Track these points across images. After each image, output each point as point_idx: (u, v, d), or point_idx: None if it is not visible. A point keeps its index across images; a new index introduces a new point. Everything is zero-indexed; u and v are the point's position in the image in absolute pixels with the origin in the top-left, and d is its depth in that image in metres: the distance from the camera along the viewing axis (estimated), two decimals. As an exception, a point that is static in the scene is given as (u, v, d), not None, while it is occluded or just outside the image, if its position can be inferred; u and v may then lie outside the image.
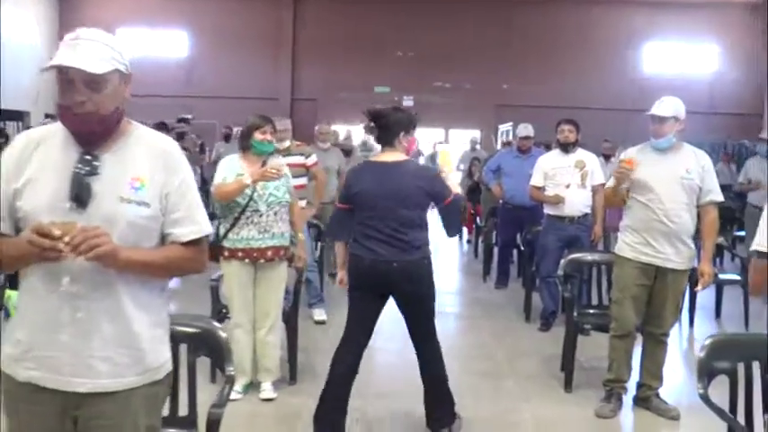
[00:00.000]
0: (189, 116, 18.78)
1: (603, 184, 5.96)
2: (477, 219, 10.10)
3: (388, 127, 3.62)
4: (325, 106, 19.27)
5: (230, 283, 4.18)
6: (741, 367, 2.66)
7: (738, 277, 6.57)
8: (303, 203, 6.20)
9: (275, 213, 4.09)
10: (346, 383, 3.69)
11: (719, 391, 2.64)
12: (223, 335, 2.64)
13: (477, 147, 14.43)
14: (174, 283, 7.47)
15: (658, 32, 19.49)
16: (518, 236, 7.72)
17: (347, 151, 9.01)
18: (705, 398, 2.57)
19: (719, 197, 4.16)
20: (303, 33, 19.79)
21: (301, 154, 6.19)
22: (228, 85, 19.05)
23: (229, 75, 19.30)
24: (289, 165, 6.00)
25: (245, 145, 4.20)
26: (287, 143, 6.05)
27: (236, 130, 12.69)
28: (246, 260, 4.10)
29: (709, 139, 17.61)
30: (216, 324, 2.68)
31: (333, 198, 7.81)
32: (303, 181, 6.18)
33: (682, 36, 19.50)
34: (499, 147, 14.21)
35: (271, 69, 19.79)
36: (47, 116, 14.55)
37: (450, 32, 18.97)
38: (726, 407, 2.61)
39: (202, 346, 2.61)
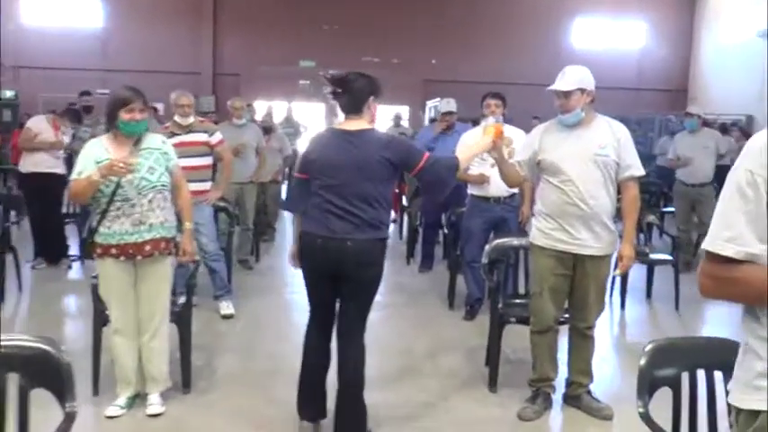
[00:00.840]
0: (101, 90, 17.88)
1: None
2: (403, 198, 9.67)
3: (354, 93, 3.32)
4: (249, 81, 18.60)
5: (106, 285, 3.62)
6: (685, 377, 2.30)
7: (669, 257, 6.30)
8: (208, 185, 5.69)
9: (150, 201, 3.52)
10: (321, 368, 3.51)
11: (662, 403, 2.27)
12: (65, 360, 2.13)
13: (402, 123, 13.92)
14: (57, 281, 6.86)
15: (587, 8, 19.48)
16: (443, 216, 7.37)
17: (267, 129, 8.43)
18: (646, 417, 2.19)
19: (639, 171, 3.79)
20: (225, 4, 19.00)
21: (205, 131, 5.68)
22: (147, 59, 18.17)
23: (148, 47, 18.44)
24: (190, 143, 5.53)
25: (112, 125, 3.59)
26: (190, 119, 5.58)
27: (158, 106, 12.07)
28: (122, 258, 3.53)
29: (636, 114, 17.72)
30: (51, 349, 2.15)
31: (251, 178, 7.33)
32: (207, 161, 5.70)
33: (610, 12, 19.54)
34: (426, 123, 13.83)
35: (192, 42, 19.01)
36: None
37: (378, 6, 18.53)
38: (668, 420, 2.25)
39: (38, 374, 2.11)
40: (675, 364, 2.32)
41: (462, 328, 5.54)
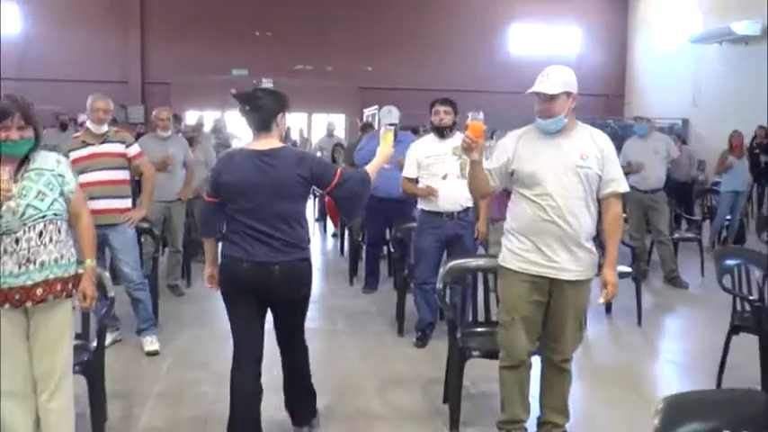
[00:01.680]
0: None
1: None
2: (344, 211, 9.17)
3: (262, 110, 3.23)
4: (180, 90, 17.85)
5: (-9, 340, 2.99)
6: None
7: (629, 269, 5.95)
8: (128, 203, 5.09)
9: (40, 234, 2.90)
10: (253, 404, 3.28)
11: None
12: None
13: (335, 133, 13.41)
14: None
15: (523, 15, 19.38)
16: (387, 231, 6.91)
17: (191, 140, 7.82)
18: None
19: (623, 187, 3.36)
20: (153, 10, 18.24)
21: (122, 141, 5.10)
22: (70, 67, 17.19)
23: (71, 55, 17.45)
24: (105, 154, 4.92)
25: None
26: (104, 128, 5.00)
27: (81, 118, 11.18)
28: (7, 305, 2.87)
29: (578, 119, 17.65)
30: None
31: (179, 195, 6.71)
32: (125, 174, 5.11)
33: (545, 18, 19.50)
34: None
35: (118, 49, 18.12)
36: None
37: (310, 12, 17.99)
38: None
39: None
40: (695, 424, 1.88)
41: (414, 358, 5.05)
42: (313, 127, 18.35)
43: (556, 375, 3.46)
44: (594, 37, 19.76)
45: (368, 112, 15.86)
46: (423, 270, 5.14)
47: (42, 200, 2.92)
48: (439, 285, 3.89)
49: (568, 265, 3.26)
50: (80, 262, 3.13)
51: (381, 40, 18.37)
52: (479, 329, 4.00)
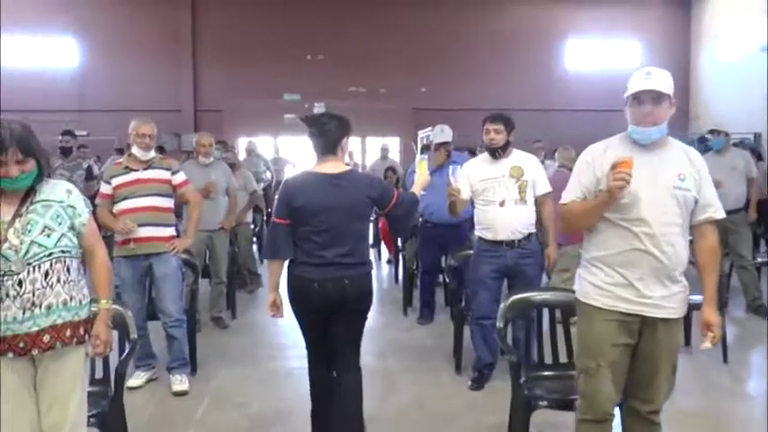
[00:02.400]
0: (84, 132, 17.06)
1: (550, 194, 4.74)
2: (398, 238, 8.75)
3: (328, 134, 3.43)
4: (232, 117, 17.79)
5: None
6: None
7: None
8: (172, 231, 4.80)
9: (46, 274, 2.58)
10: (330, 391, 3.55)
11: None
12: None
13: (390, 155, 13.03)
14: None
15: (579, 29, 18.80)
16: (443, 259, 6.48)
17: (230, 166, 7.56)
18: None
19: (720, 213, 2.87)
20: (204, 38, 18.26)
21: (167, 169, 4.84)
22: (125, 97, 17.29)
23: (126, 86, 17.58)
24: (149, 180, 4.65)
25: None
26: (151, 153, 4.77)
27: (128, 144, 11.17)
28: (10, 354, 2.55)
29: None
30: None
31: (222, 223, 6.43)
32: (169, 202, 4.83)
33: (602, 32, 18.88)
34: (418, 155, 12.97)
35: (171, 78, 18.16)
36: None
37: (363, 34, 17.78)
38: None
39: None
40: None
41: (473, 400, 4.57)
42: (367, 150, 18.06)
43: (644, 429, 2.95)
44: (655, 49, 18.99)
45: (422, 133, 15.48)
46: (480, 304, 4.68)
47: (49, 236, 2.60)
48: (499, 323, 3.45)
49: (662, 301, 2.79)
50: (95, 300, 2.81)
51: (434, 60, 18.02)
52: (547, 373, 3.53)
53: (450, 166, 4.51)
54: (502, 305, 3.52)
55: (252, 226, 8.23)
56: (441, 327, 6.29)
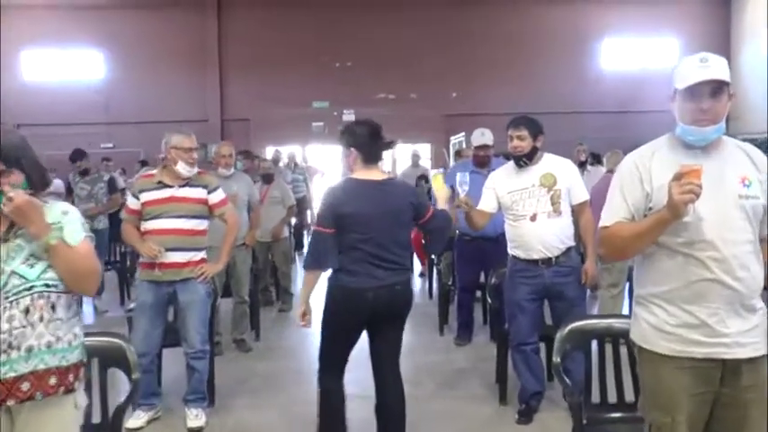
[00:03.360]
0: (110, 144, 16.87)
1: (588, 203, 4.24)
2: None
3: (380, 142, 3.46)
4: (259, 126, 17.54)
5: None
6: None
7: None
8: (202, 255, 4.34)
9: (26, 311, 2.18)
10: (342, 408, 3.56)
11: None
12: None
13: (421, 162, 12.58)
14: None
15: (614, 28, 18.20)
16: (482, 275, 6.01)
17: (267, 177, 7.19)
18: None
19: None
20: (230, 48, 17.99)
21: (204, 186, 4.36)
22: (152, 109, 17.12)
23: (152, 97, 17.39)
24: (184, 199, 4.17)
25: None
26: (195, 170, 4.30)
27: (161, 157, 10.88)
28: None
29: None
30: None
31: (244, 240, 6.01)
32: (202, 224, 4.35)
33: (639, 30, 18.23)
34: (452, 162, 12.48)
35: (197, 89, 17.94)
36: None
37: (391, 39, 17.38)
38: None
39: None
40: None
41: (521, 435, 4.12)
42: (397, 157, 17.63)
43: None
44: (694, 48, 18.14)
45: (454, 139, 15.04)
46: (519, 329, 4.20)
47: (32, 266, 2.20)
48: (556, 358, 2.96)
49: (742, 337, 2.25)
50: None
51: (466, 65, 17.54)
52: (612, 415, 3.04)
53: (458, 174, 4.13)
54: (558, 335, 3.04)
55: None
56: (480, 349, 5.83)
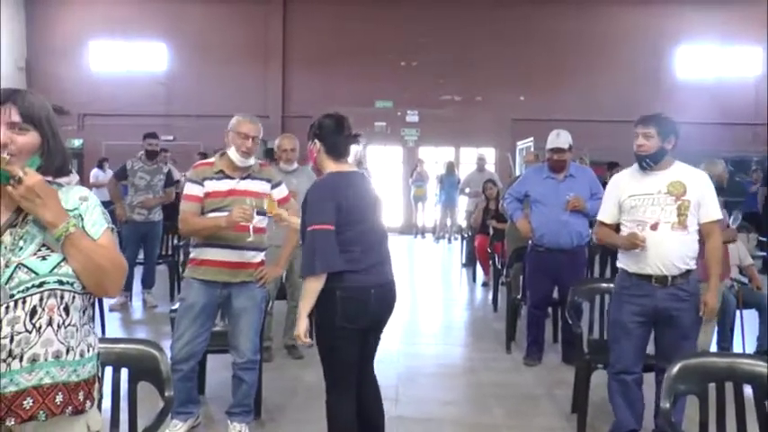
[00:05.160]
0: (170, 137, 16.82)
1: (720, 223, 3.70)
2: (496, 258, 7.78)
3: (353, 137, 3.27)
4: (321, 124, 17.15)
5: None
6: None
7: None
8: (262, 257, 3.92)
9: (33, 313, 1.77)
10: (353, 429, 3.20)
11: None
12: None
13: (487, 167, 12.03)
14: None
15: (692, 34, 17.32)
16: (555, 290, 5.50)
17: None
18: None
19: None
20: (295, 43, 17.72)
21: (267, 180, 3.94)
22: (213, 103, 16.97)
23: (214, 91, 17.25)
24: (246, 192, 3.71)
25: None
26: (251, 161, 3.84)
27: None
28: None
29: (756, 153, 15.49)
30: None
31: (301, 239, 5.63)
32: (264, 222, 3.91)
33: (719, 37, 17.30)
34: (518, 170, 11.94)
35: (259, 84, 17.72)
36: None
37: (459, 39, 16.89)
38: None
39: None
40: None
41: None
42: (461, 161, 17.13)
43: None
44: (781, 56, 17.29)
45: (521, 144, 14.47)
46: (622, 354, 3.67)
47: (44, 258, 1.81)
48: (665, 403, 2.44)
49: None
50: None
51: (535, 68, 16.92)
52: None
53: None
54: (667, 374, 2.52)
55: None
56: (552, 371, 5.30)
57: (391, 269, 3.20)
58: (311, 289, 2.99)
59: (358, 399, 3.19)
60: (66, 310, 1.85)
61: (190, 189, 3.82)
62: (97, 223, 1.93)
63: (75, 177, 6.48)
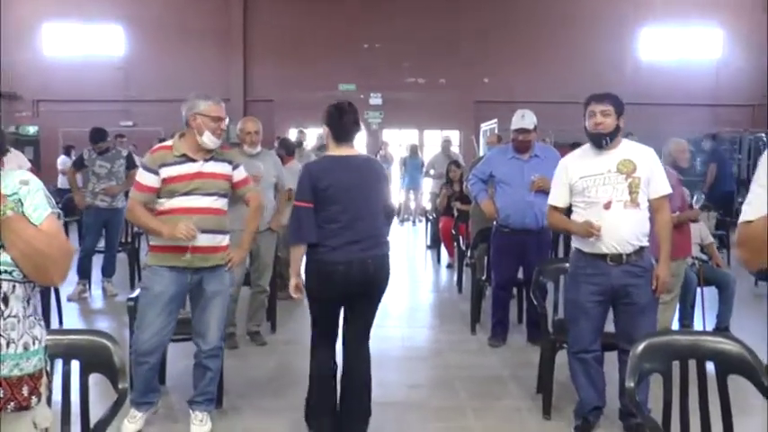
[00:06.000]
0: (129, 123, 16.53)
1: (669, 198, 3.71)
2: (460, 239, 7.76)
3: (357, 121, 3.58)
4: (283, 107, 17.05)
5: None
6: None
7: None
8: (227, 240, 3.79)
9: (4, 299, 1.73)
10: (332, 379, 3.60)
11: None
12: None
13: (454, 148, 11.98)
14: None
15: (654, 16, 17.45)
16: (519, 270, 5.49)
17: (280, 158, 6.56)
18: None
19: None
20: (256, 26, 17.53)
21: (229, 162, 3.83)
22: (173, 87, 16.56)
23: (174, 75, 16.94)
24: (210, 175, 3.61)
25: None
26: (218, 142, 3.72)
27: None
28: None
29: (718, 133, 15.68)
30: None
31: (270, 224, 5.49)
32: (226, 204, 3.82)
33: (681, 20, 17.47)
34: (482, 152, 11.91)
35: (221, 68, 17.50)
36: None
37: (422, 22, 16.82)
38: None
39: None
40: None
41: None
42: (425, 143, 17.08)
43: None
44: (739, 39, 17.51)
45: (485, 126, 14.46)
46: (581, 334, 3.66)
47: None
48: (629, 382, 2.42)
49: None
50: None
51: (498, 51, 16.93)
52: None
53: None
54: (632, 353, 2.49)
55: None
56: (517, 352, 5.30)
57: (372, 248, 3.42)
58: (293, 255, 3.48)
59: (346, 361, 3.59)
60: (5, 300, 1.75)
61: (142, 177, 3.69)
62: (39, 207, 1.83)
63: (25, 163, 6.28)
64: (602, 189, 3.56)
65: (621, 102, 3.65)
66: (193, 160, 3.66)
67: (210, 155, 3.71)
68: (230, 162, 3.82)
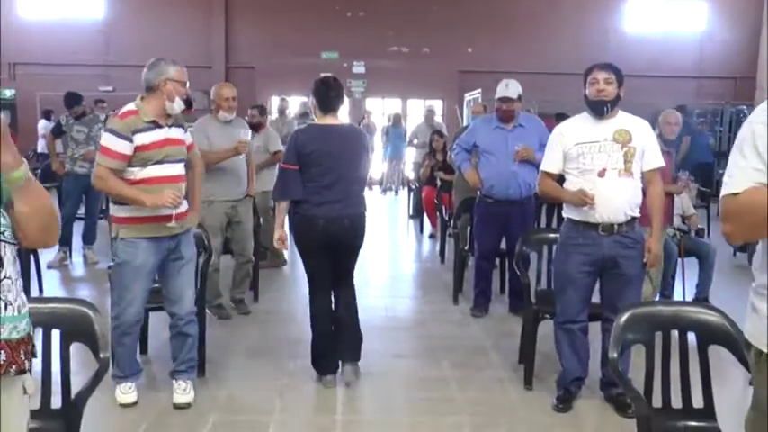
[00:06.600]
0: (109, 88, 16.29)
1: (661, 170, 3.72)
2: (443, 209, 7.76)
3: (341, 95, 4.00)
4: (265, 75, 16.82)
5: None
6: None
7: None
8: (184, 206, 3.71)
9: None
10: (331, 331, 4.04)
11: None
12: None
13: (437, 118, 11.89)
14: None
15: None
16: (503, 241, 5.50)
17: (255, 126, 6.46)
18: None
19: None
20: (238, -10, 17.18)
21: (181, 126, 3.75)
22: (154, 52, 15.65)
23: (155, 40, 16.52)
24: (176, 141, 3.58)
25: None
26: (179, 107, 3.63)
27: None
28: None
29: (700, 105, 15.73)
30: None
31: (247, 191, 5.46)
32: (183, 169, 3.77)
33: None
34: (465, 122, 11.85)
35: (202, 33, 17.19)
36: None
37: (405, -11, 16.55)
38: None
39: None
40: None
41: (553, 426, 3.61)
42: (408, 113, 16.99)
43: None
44: (723, 11, 17.48)
45: (469, 96, 14.40)
46: (568, 304, 3.67)
47: None
48: (613, 353, 2.43)
49: None
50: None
51: (482, 21, 16.75)
52: (676, 423, 2.50)
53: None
54: (615, 323, 2.50)
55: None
56: (499, 322, 5.33)
57: (349, 207, 3.90)
58: (278, 209, 4.01)
59: (336, 301, 4.07)
60: (0, 261, 1.71)
61: (115, 144, 3.48)
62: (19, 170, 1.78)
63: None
64: (597, 156, 3.54)
65: (622, 72, 3.63)
66: (160, 126, 3.57)
67: (172, 120, 3.64)
68: (182, 126, 3.76)
